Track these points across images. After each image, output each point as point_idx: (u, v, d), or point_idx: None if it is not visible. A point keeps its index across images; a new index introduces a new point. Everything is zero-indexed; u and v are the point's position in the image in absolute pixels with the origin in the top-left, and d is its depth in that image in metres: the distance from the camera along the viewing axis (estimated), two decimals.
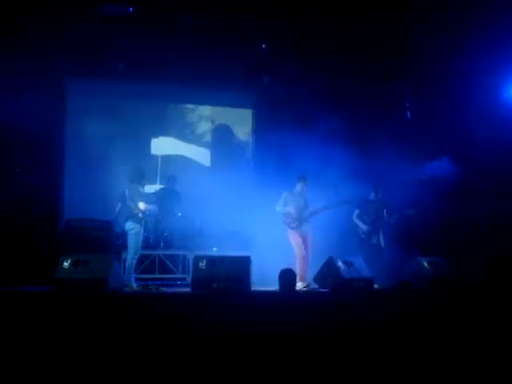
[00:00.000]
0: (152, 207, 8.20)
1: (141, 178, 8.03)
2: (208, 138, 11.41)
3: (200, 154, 11.26)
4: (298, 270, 8.20)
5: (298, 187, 8.72)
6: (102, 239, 8.82)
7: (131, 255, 7.84)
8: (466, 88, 9.73)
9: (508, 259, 8.54)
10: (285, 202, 8.62)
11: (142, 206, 7.81)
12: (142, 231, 7.93)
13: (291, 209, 8.56)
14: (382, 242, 9.11)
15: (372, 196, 9.26)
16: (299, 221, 8.55)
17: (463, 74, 9.63)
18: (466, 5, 8.59)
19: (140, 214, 7.80)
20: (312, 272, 8.42)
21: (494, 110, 9.84)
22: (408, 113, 10.67)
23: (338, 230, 9.39)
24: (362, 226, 9.14)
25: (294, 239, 8.54)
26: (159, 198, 9.57)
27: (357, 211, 9.25)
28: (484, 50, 9.15)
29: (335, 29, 9.66)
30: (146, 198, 8.22)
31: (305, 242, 8.54)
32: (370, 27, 9.52)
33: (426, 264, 8.16)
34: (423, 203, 9.38)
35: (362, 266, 8.07)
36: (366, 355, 4.54)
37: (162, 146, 11.04)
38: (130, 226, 7.83)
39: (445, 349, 4.65)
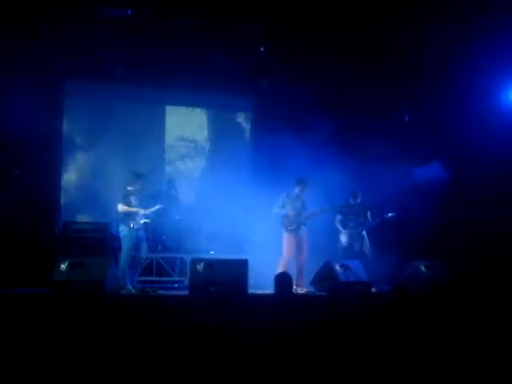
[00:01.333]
0: (144, 211, 8.09)
1: (134, 180, 8.05)
2: (206, 140, 11.35)
3: None
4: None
5: (297, 190, 8.65)
6: (100, 241, 8.81)
7: (123, 257, 7.85)
8: (465, 91, 9.73)
9: (500, 264, 8.54)
10: (282, 204, 8.59)
11: (120, 207, 7.84)
12: (132, 234, 7.89)
13: (289, 210, 8.53)
14: (365, 247, 9.12)
15: (351, 200, 9.23)
16: (297, 223, 8.52)
17: (462, 76, 9.63)
18: (466, 6, 8.59)
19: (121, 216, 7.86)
20: (308, 276, 8.44)
21: (494, 113, 9.85)
22: (406, 116, 10.67)
23: (327, 235, 9.43)
24: (342, 231, 9.18)
25: (286, 242, 8.48)
26: (157, 201, 9.55)
27: (338, 217, 9.27)
28: (484, 52, 9.14)
29: (333, 32, 9.66)
30: (141, 201, 8.15)
31: (300, 245, 8.50)
32: (368, 31, 9.53)
33: (423, 268, 8.15)
34: (410, 207, 9.42)
35: (359, 270, 8.07)
36: (363, 358, 4.54)
37: None
38: (120, 228, 7.91)
39: (443, 353, 4.66)
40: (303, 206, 8.63)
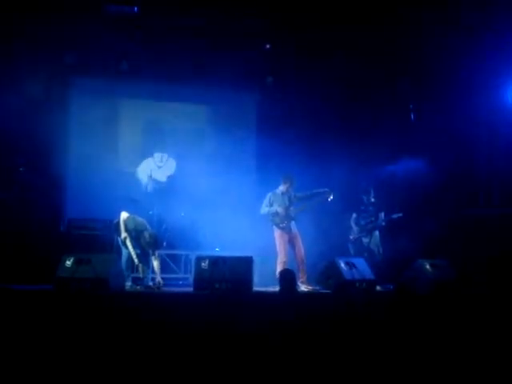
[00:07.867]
0: None
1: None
2: (209, 137, 11.25)
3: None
4: (277, 272, 8.16)
5: (283, 187, 8.66)
6: (105, 239, 8.84)
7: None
8: (472, 89, 9.70)
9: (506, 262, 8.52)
10: (270, 203, 8.61)
11: None
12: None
13: (278, 208, 8.54)
14: (373, 245, 9.13)
15: (365, 199, 9.29)
16: (287, 220, 8.53)
17: (469, 74, 9.60)
18: (472, 5, 8.57)
19: None
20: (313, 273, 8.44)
21: (498, 112, 9.83)
22: (412, 114, 10.63)
23: (330, 232, 9.43)
24: (354, 227, 9.26)
25: (280, 240, 8.49)
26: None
27: (354, 215, 9.36)
28: (489, 51, 9.13)
29: (338, 30, 9.64)
30: None
31: (294, 241, 8.51)
32: (373, 28, 9.50)
33: (428, 266, 8.10)
34: (416, 206, 9.44)
35: (364, 268, 8.06)
36: (366, 357, 4.53)
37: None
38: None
39: (446, 352, 4.65)
40: (290, 202, 8.64)
